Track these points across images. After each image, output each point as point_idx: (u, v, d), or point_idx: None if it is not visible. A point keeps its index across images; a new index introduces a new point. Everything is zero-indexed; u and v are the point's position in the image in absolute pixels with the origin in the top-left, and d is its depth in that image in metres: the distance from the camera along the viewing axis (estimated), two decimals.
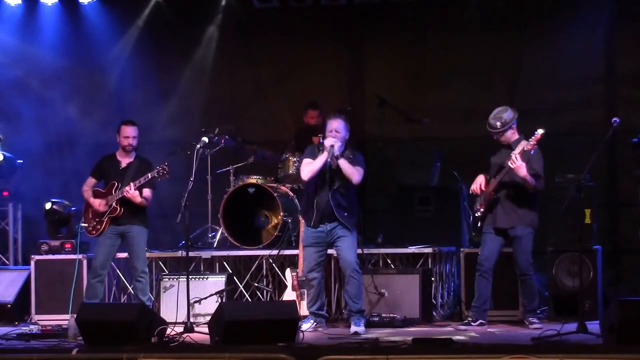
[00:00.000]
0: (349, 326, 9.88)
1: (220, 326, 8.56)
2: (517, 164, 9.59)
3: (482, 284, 9.95)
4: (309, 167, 9.86)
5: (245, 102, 13.09)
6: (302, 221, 10.36)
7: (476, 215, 10.06)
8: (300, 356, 7.93)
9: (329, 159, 9.73)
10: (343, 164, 9.73)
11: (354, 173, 9.77)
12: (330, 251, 10.15)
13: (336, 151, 9.71)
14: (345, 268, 9.89)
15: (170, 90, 13.04)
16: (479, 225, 10.05)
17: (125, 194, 10.19)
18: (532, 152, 9.64)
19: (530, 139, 9.60)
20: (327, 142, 9.76)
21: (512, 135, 9.89)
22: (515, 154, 9.60)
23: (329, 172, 9.78)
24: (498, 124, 9.85)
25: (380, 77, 12.82)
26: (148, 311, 9.15)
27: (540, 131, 9.54)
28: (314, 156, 9.91)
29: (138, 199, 10.25)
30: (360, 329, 9.65)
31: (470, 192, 10.10)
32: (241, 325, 8.54)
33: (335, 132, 9.79)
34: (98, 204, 10.34)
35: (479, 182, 9.99)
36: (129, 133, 10.39)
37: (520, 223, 9.87)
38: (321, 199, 9.83)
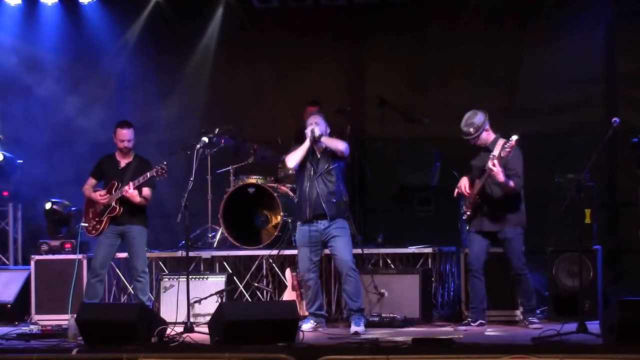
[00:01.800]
0: (349, 326, 9.89)
1: (220, 326, 8.57)
2: (495, 170, 9.65)
3: (475, 284, 9.98)
4: (293, 154, 10.07)
5: (245, 102, 13.08)
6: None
7: (464, 217, 10.11)
8: (300, 356, 7.93)
9: (310, 143, 9.93)
10: (325, 140, 9.97)
11: (338, 143, 10.00)
12: (327, 251, 10.15)
13: (317, 132, 9.92)
14: (341, 267, 9.91)
15: (170, 90, 13.04)
16: (467, 227, 10.10)
17: (124, 193, 10.20)
18: (508, 157, 9.68)
19: (505, 146, 9.65)
20: (307, 130, 10.02)
21: (487, 136, 9.95)
22: (493, 161, 9.65)
23: (313, 161, 9.94)
24: (471, 130, 9.92)
25: (380, 77, 12.82)
26: (148, 311, 9.15)
27: (514, 137, 9.65)
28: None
29: (137, 199, 10.25)
30: (360, 328, 9.65)
31: (455, 195, 10.13)
32: (241, 325, 8.54)
33: (315, 124, 10.02)
34: (99, 195, 10.33)
35: (463, 185, 10.02)
36: (125, 136, 10.39)
37: (507, 225, 9.91)
38: (311, 189, 9.91)
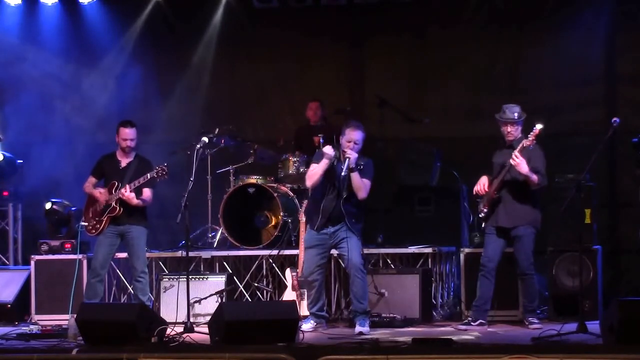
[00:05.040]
0: (350, 326, 9.89)
1: (220, 326, 8.56)
2: (518, 161, 9.61)
3: (484, 285, 9.95)
4: (311, 175, 9.81)
5: (245, 102, 13.09)
6: (302, 220, 10.37)
7: (480, 216, 10.06)
8: (300, 356, 7.93)
9: (344, 171, 9.61)
10: (355, 177, 9.67)
11: (361, 188, 9.70)
12: (331, 251, 10.14)
13: (352, 163, 9.64)
14: (349, 268, 9.86)
15: (171, 90, 13.04)
16: (482, 226, 10.06)
17: (121, 196, 10.18)
18: (530, 147, 9.65)
19: (529, 135, 9.62)
20: (349, 153, 9.63)
21: (519, 131, 9.91)
22: (516, 152, 9.63)
23: (341, 182, 9.70)
24: (516, 114, 9.87)
25: (380, 77, 12.82)
26: (148, 311, 9.15)
27: (538, 126, 9.57)
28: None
29: (134, 201, 10.22)
30: (365, 329, 9.62)
31: (474, 193, 10.10)
32: (241, 325, 8.54)
33: (355, 143, 9.72)
34: (98, 193, 10.31)
35: (482, 183, 9.99)
36: (128, 135, 10.36)
37: (522, 223, 9.88)
38: (328, 204, 9.76)
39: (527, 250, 9.90)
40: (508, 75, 12.42)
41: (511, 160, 9.65)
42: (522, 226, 9.88)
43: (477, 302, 9.99)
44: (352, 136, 9.74)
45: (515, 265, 9.98)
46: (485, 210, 10.00)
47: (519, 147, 9.65)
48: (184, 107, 13.01)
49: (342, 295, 10.96)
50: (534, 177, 9.69)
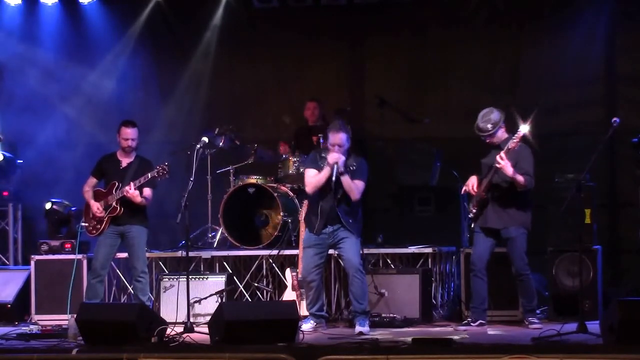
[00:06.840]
0: (350, 326, 9.89)
1: (220, 326, 8.57)
2: (503, 164, 9.61)
3: (477, 284, 9.96)
4: (314, 182, 9.76)
5: (245, 102, 13.09)
6: (302, 220, 10.37)
7: (469, 216, 10.08)
8: (300, 356, 7.93)
9: (333, 175, 9.63)
10: (345, 180, 9.65)
11: (353, 190, 9.69)
12: (330, 251, 10.13)
13: (340, 167, 9.63)
14: (348, 269, 9.85)
15: (170, 90, 13.04)
16: (472, 226, 10.08)
17: (125, 193, 10.19)
18: (516, 149, 9.64)
19: (513, 137, 9.62)
20: (331, 158, 9.64)
21: (502, 135, 9.89)
22: (501, 154, 9.62)
23: (335, 183, 9.68)
24: (489, 126, 9.84)
25: (380, 77, 12.82)
26: (148, 311, 9.15)
27: (523, 128, 9.56)
28: (316, 165, 9.84)
29: (138, 199, 10.24)
30: (365, 329, 9.62)
31: (462, 192, 10.11)
32: (241, 325, 8.54)
33: (338, 147, 9.67)
34: (96, 208, 10.33)
35: (471, 183, 9.99)
36: (129, 135, 10.37)
37: (512, 223, 9.87)
38: (326, 205, 9.76)
39: (520, 251, 9.89)
40: (508, 75, 12.42)
41: (496, 163, 9.66)
42: (512, 227, 9.88)
43: (474, 302, 9.99)
44: (335, 140, 9.68)
45: (511, 266, 9.98)
46: (474, 210, 10.01)
47: (504, 149, 9.66)
48: (184, 107, 13.01)
49: (342, 295, 10.96)
50: (520, 179, 9.68)
